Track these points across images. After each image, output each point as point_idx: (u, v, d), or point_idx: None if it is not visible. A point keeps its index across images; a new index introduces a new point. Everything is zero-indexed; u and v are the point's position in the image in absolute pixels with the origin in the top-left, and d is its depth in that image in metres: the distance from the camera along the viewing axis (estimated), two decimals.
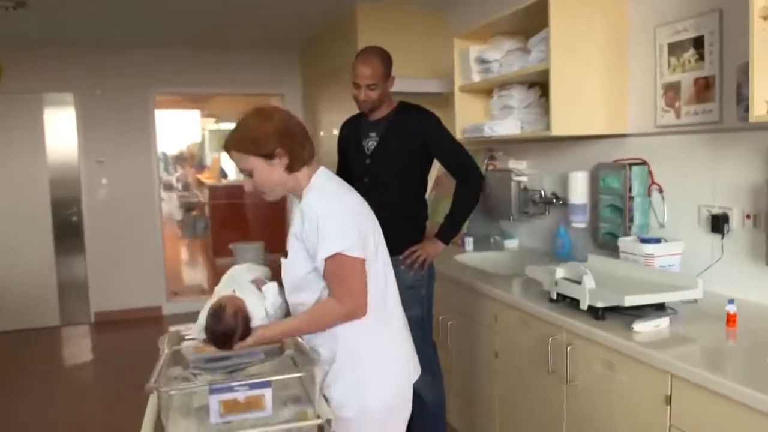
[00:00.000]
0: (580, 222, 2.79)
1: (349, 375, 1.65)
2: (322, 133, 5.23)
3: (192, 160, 12.17)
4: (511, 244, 3.40)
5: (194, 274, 8.10)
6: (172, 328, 1.89)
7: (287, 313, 1.75)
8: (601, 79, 2.53)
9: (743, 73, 2.03)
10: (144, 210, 5.74)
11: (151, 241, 5.77)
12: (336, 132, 4.65)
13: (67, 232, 5.59)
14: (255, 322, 1.60)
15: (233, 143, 1.64)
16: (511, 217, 3.25)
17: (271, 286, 1.71)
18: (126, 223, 5.66)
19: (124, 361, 4.61)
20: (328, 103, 5.18)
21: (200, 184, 10.47)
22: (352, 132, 2.61)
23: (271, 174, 1.64)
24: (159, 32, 5.01)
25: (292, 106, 6.06)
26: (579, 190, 2.77)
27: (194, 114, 11.96)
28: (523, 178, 3.27)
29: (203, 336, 1.64)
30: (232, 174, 10.72)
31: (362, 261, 1.61)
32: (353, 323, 1.63)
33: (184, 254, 9.48)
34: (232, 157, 1.67)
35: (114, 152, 5.59)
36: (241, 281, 1.72)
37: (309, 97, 5.89)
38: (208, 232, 7.58)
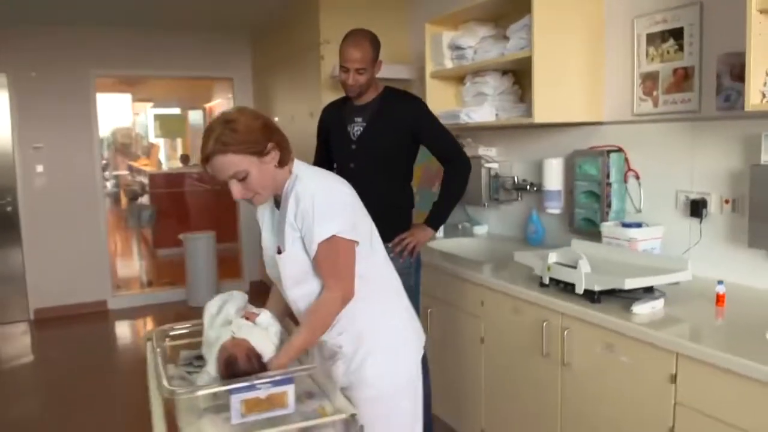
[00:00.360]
0: (554, 208, 2.85)
1: (383, 345, 1.72)
2: (277, 119, 5.09)
3: (124, 146, 11.59)
4: (480, 230, 3.44)
5: (134, 267, 7.74)
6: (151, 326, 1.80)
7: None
8: (581, 68, 2.58)
9: (723, 63, 2.12)
10: (85, 199, 5.41)
11: (93, 231, 5.46)
12: (296, 119, 4.57)
13: (1, 223, 5.20)
14: (266, 357, 1.56)
15: (225, 147, 1.52)
16: (485, 204, 3.29)
17: (266, 316, 1.67)
18: (66, 212, 5.33)
19: (69, 360, 4.37)
20: (285, 89, 5.04)
21: (132, 171, 9.99)
22: (335, 117, 2.54)
23: (267, 171, 1.59)
24: (99, 11, 4.71)
25: (242, 91, 5.89)
26: (554, 177, 2.83)
27: (125, 98, 11.35)
28: (494, 165, 3.30)
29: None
30: (165, 162, 10.31)
31: (354, 243, 1.63)
32: (369, 303, 1.68)
33: (121, 245, 9.05)
34: (218, 162, 1.53)
35: (52, 138, 5.23)
36: (234, 319, 1.65)
37: (261, 82, 5.72)
38: (153, 221, 7.26)
